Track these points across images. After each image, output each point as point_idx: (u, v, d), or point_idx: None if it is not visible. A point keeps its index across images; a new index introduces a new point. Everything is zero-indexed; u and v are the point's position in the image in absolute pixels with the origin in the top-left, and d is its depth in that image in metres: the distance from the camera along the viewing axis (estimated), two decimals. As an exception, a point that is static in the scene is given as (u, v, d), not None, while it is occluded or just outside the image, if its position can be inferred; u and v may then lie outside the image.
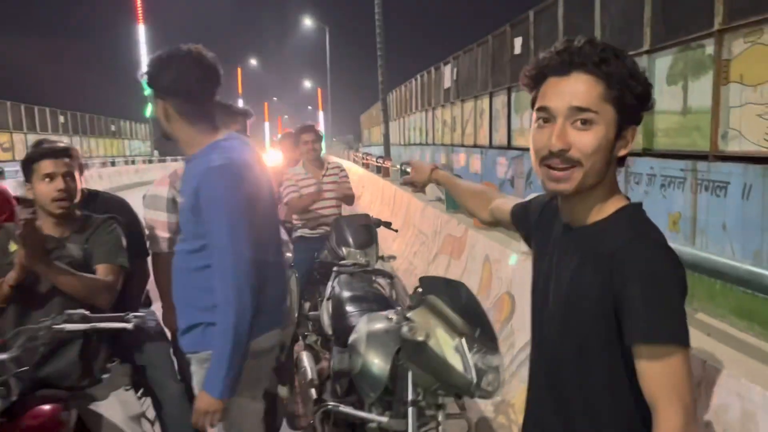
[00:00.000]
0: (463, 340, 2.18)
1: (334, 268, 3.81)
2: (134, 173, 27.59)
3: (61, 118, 28.01)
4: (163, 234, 2.76)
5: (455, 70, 15.56)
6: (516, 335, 3.79)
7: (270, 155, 16.38)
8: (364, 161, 15.90)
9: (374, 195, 12.05)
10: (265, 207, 2.11)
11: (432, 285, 2.30)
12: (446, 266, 5.65)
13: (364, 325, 2.63)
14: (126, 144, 36.26)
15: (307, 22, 51.10)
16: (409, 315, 2.21)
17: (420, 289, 2.34)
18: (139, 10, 36.62)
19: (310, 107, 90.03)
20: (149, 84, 2.07)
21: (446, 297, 2.25)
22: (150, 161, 34.11)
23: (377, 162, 12.62)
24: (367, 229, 4.41)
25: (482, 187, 1.98)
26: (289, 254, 4.30)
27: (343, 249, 4.30)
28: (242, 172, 2.01)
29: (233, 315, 1.94)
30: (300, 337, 4.50)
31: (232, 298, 1.94)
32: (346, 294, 3.38)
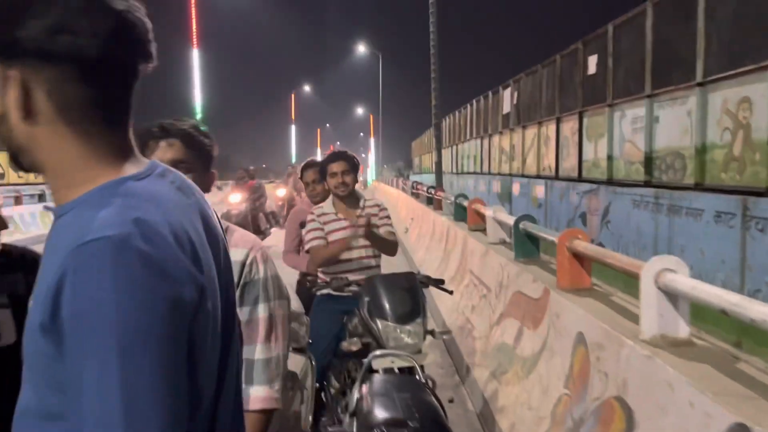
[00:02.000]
0: None
1: (364, 359, 2.61)
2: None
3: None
4: None
5: (516, 93, 14.31)
6: (637, 472, 2.49)
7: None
8: (414, 190, 14.72)
9: (425, 229, 10.82)
10: (214, 320, 0.94)
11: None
12: (516, 335, 4.37)
13: None
14: (176, 167, 36.15)
15: (361, 48, 50.92)
16: None
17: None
18: (195, 35, 36.77)
19: (362, 134, 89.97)
20: None
21: None
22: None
23: (428, 193, 11.41)
24: (412, 296, 3.21)
25: None
26: (302, 332, 3.11)
27: (378, 323, 3.11)
28: (166, 257, 0.85)
29: None
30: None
31: None
32: (380, 414, 2.18)
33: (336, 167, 3.65)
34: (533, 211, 11.75)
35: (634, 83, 8.05)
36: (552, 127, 11.52)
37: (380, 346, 3.10)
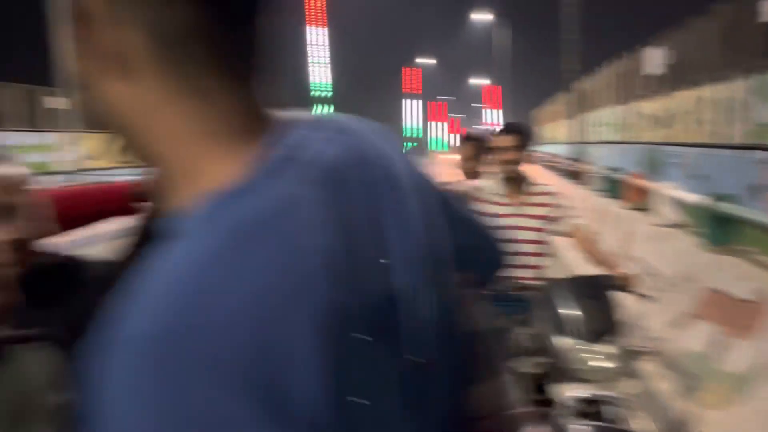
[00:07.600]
0: None
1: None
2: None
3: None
4: None
5: (663, 52, 12.83)
6: None
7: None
8: (551, 163, 13.73)
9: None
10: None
11: None
12: (712, 343, 3.58)
13: None
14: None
15: (477, 17, 49.54)
16: None
17: None
18: (316, 13, 37.00)
19: (479, 105, 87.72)
20: None
21: None
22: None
23: (569, 167, 10.47)
24: (605, 303, 2.56)
25: None
26: None
27: (562, 341, 2.50)
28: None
29: None
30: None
31: None
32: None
33: (501, 141, 3.07)
34: (687, 185, 10.48)
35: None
36: (713, 89, 10.12)
37: (560, 371, 2.50)
